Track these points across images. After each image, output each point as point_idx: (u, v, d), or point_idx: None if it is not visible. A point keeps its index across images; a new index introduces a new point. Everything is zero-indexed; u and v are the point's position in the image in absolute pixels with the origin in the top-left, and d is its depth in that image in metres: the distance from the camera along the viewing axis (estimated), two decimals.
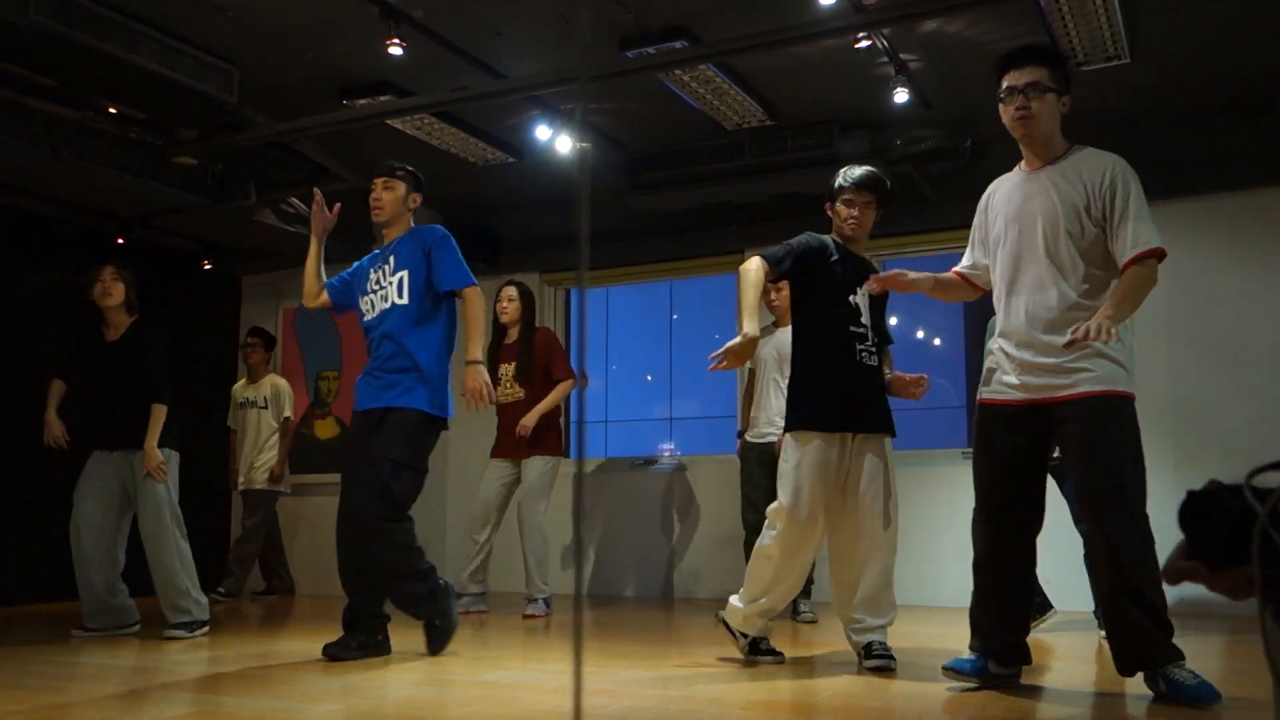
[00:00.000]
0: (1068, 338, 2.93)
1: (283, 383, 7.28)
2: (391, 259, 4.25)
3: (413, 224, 4.37)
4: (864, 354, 3.78)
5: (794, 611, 5.46)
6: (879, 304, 3.90)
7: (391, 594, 4.18)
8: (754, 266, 3.66)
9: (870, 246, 6.68)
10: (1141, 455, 3.07)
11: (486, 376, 4.13)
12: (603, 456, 7.86)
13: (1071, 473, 3.19)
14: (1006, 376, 3.22)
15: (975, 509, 3.35)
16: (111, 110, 5.46)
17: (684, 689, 3.44)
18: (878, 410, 3.82)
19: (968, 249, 3.54)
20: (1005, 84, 3.24)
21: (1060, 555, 4.41)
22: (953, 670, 3.32)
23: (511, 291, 5.99)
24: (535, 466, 5.81)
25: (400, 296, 4.16)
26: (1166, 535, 1.25)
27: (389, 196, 4.28)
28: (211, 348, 7.94)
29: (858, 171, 3.89)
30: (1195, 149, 5.84)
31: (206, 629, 4.90)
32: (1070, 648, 4.48)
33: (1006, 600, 3.28)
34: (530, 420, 5.74)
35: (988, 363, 3.34)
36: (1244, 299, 5.76)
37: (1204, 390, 5.72)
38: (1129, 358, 3.13)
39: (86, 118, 5.43)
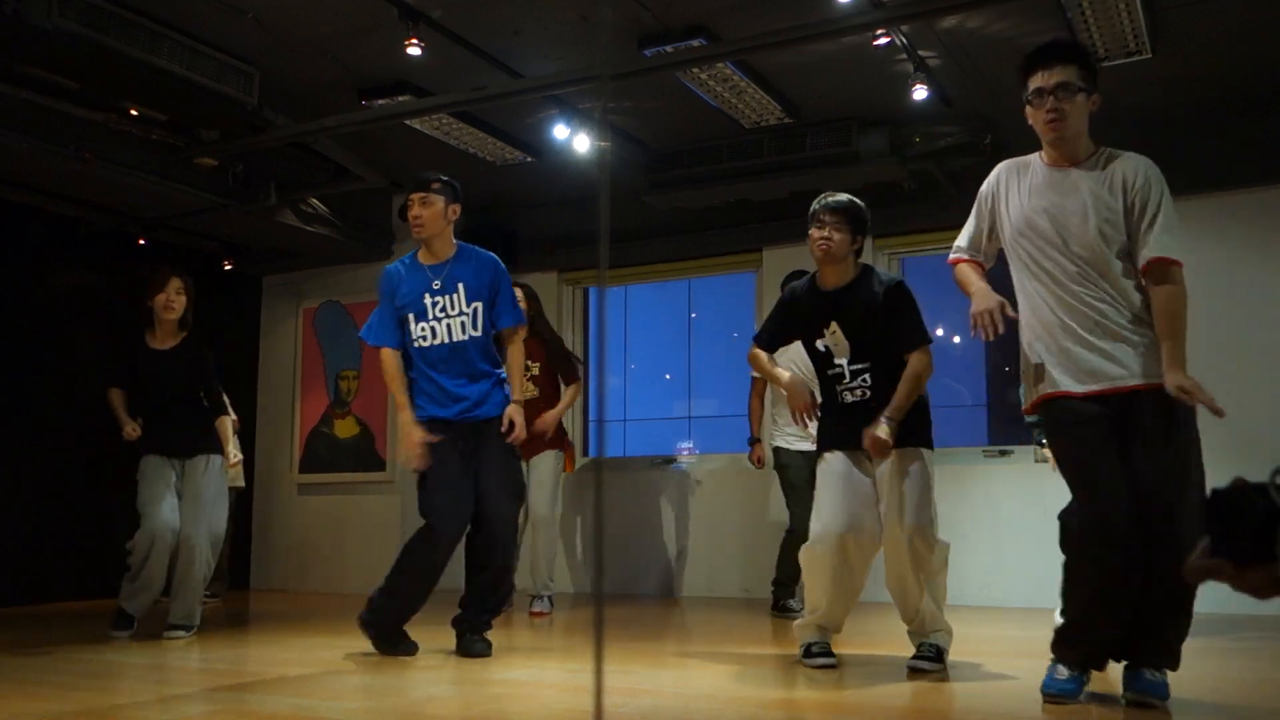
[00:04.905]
0: (1174, 391, 2.98)
1: None
2: (461, 287, 4.16)
3: (454, 239, 4.28)
4: (844, 394, 3.73)
5: None
6: (870, 323, 3.71)
7: (507, 589, 4.33)
8: (753, 351, 3.97)
9: (892, 245, 6.73)
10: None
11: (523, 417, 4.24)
12: (622, 455, 7.86)
13: (1141, 461, 3.10)
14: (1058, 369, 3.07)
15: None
16: (133, 112, 5.49)
17: (704, 687, 3.44)
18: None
19: (969, 229, 3.35)
20: (1033, 85, 3.07)
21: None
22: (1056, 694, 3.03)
23: (518, 293, 5.99)
24: (546, 463, 5.82)
25: (475, 329, 4.17)
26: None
27: (428, 213, 4.16)
28: (232, 348, 7.98)
29: (828, 199, 3.82)
30: (1218, 144, 5.78)
31: (195, 631, 4.90)
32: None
33: None
34: (551, 423, 5.74)
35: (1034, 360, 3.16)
36: (1267, 296, 5.70)
37: (1228, 388, 5.61)
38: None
39: (109, 119, 5.47)
